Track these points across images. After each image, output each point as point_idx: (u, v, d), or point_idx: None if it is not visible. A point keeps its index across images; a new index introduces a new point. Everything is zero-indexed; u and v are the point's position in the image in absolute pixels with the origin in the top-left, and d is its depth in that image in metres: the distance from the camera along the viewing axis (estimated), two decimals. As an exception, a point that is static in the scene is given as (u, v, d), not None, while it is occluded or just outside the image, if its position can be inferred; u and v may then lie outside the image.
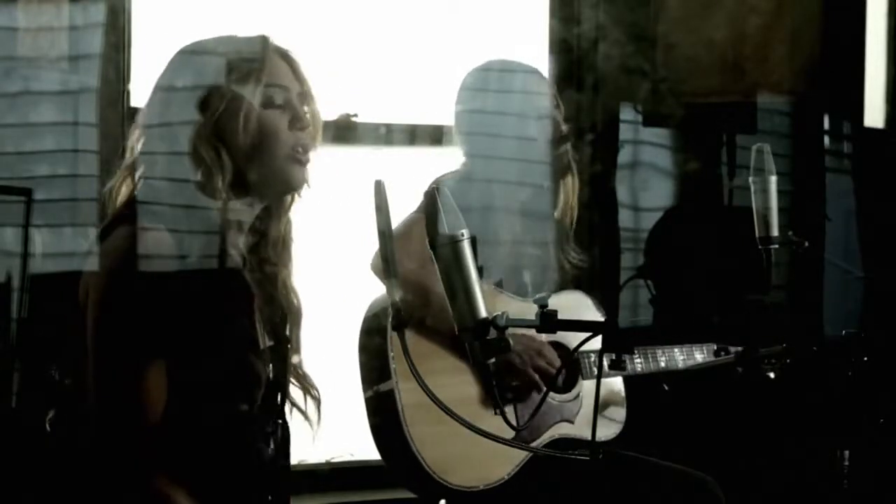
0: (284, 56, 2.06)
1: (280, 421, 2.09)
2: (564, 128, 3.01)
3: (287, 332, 2.10)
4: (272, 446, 2.07)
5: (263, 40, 2.05)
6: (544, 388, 2.78)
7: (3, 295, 2.89)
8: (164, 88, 2.03)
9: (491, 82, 3.01)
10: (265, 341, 2.04)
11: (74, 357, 1.93)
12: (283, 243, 2.11)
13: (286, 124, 2.02)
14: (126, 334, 1.88)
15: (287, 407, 2.11)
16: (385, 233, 1.81)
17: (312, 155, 2.06)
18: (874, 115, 4.19)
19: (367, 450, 2.80)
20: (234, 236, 2.02)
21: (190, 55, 2.05)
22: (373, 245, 2.73)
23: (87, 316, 1.91)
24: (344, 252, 3.21)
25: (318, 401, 2.14)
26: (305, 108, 2.05)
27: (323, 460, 3.45)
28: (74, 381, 1.95)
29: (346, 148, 3.42)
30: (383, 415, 2.67)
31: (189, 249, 1.94)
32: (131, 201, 1.98)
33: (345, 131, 3.42)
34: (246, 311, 2.01)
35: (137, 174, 2.01)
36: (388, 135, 3.49)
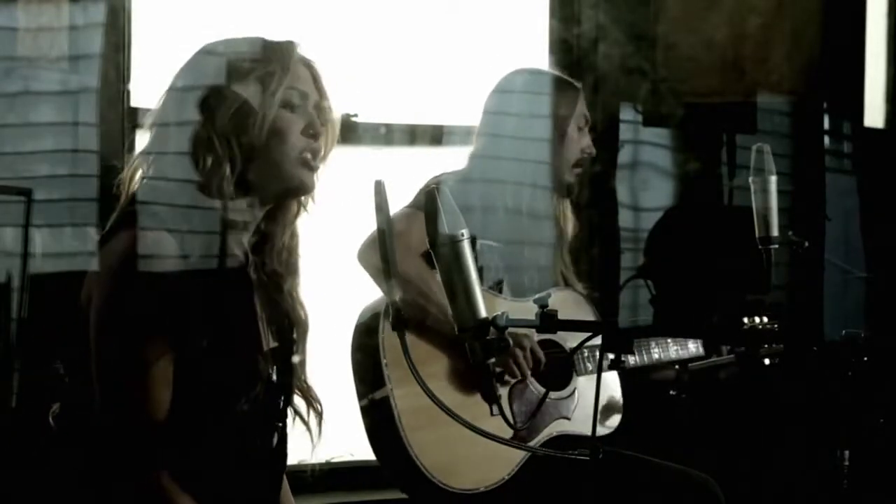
0: (308, 65, 2.07)
1: (281, 424, 2.09)
2: (592, 149, 3.00)
3: (293, 339, 2.10)
4: (274, 444, 2.07)
5: (290, 45, 2.06)
6: (529, 380, 2.79)
7: (3, 295, 2.89)
8: (179, 88, 2.03)
9: (521, 88, 3.00)
10: (269, 342, 2.04)
11: (78, 354, 1.93)
12: (289, 253, 2.11)
13: (300, 128, 2.03)
14: (130, 335, 1.89)
15: (290, 414, 2.11)
16: (385, 232, 1.81)
17: (322, 164, 2.08)
18: (874, 115, 4.19)
19: (366, 450, 2.80)
20: (238, 237, 2.02)
21: (210, 55, 2.05)
22: (361, 237, 2.74)
23: (89, 316, 1.91)
24: (344, 252, 3.21)
25: (320, 415, 2.14)
26: (322, 118, 2.06)
27: (323, 460, 3.45)
28: (78, 378, 1.95)
29: (346, 148, 3.41)
30: (380, 422, 2.67)
31: (191, 249, 1.94)
32: (134, 200, 1.98)
33: (345, 131, 3.41)
34: (247, 310, 2.01)
35: (140, 172, 2.02)
36: (388, 135, 3.48)
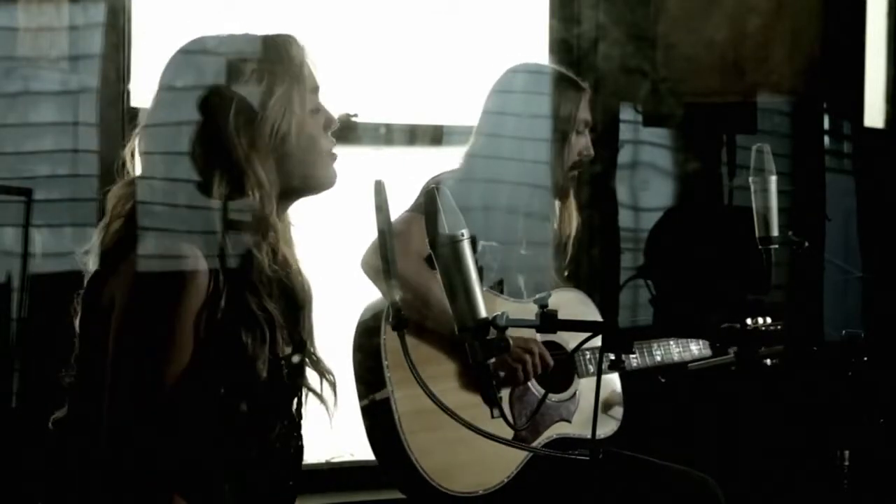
0: (307, 55, 2.02)
1: (296, 424, 2.05)
2: (590, 151, 2.98)
3: (303, 324, 2.05)
4: (291, 442, 2.04)
5: (296, 42, 2.01)
6: (530, 381, 2.78)
7: (3, 295, 2.89)
8: (180, 88, 1.99)
9: (523, 88, 2.98)
10: (285, 345, 1.98)
11: (88, 360, 1.90)
12: (287, 228, 2.05)
13: (322, 127, 2.02)
14: (156, 345, 1.84)
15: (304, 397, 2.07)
16: (385, 233, 1.80)
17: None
18: (874, 115, 4.19)
19: (366, 450, 2.80)
20: (257, 239, 1.95)
21: (200, 55, 2.01)
22: (361, 237, 2.74)
23: (108, 318, 1.86)
24: (344, 252, 3.21)
25: (333, 385, 2.09)
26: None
27: (323, 460, 3.45)
28: (86, 385, 1.91)
29: (346, 148, 3.41)
30: (380, 424, 2.67)
31: (218, 257, 1.89)
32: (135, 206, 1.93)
33: (345, 131, 3.42)
34: (267, 312, 1.94)
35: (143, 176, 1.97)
36: (388, 135, 3.49)
